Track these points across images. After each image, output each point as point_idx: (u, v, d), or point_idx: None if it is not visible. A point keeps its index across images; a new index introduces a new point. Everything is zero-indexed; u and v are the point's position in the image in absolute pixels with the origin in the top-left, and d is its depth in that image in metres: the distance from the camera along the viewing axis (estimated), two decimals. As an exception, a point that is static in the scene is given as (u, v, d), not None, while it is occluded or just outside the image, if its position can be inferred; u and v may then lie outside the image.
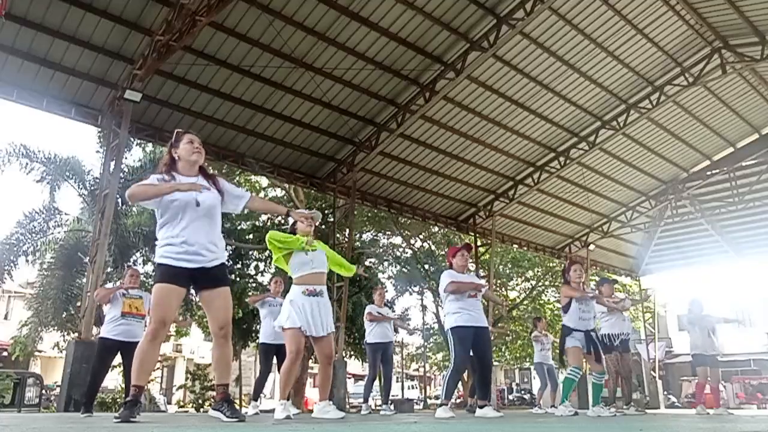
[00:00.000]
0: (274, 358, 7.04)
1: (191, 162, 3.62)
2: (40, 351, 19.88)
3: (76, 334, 11.29)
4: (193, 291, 3.67)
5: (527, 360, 25.60)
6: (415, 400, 23.68)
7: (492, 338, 10.38)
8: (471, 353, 5.55)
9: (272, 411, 5.18)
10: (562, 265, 8.75)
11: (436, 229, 21.13)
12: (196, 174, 3.63)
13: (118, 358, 5.98)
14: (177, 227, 3.44)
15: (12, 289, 18.88)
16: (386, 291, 20.01)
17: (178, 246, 3.41)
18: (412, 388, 37.01)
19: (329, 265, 4.71)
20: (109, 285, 6.49)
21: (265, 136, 12.16)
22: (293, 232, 4.58)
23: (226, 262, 3.67)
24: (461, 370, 5.61)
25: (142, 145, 16.41)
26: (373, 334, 7.99)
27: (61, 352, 16.44)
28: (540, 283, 24.76)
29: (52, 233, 15.51)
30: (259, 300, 7.30)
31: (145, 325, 5.98)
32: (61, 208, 15.83)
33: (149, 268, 16.44)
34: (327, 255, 4.65)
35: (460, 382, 21.63)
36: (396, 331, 8.84)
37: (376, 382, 9.24)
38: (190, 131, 3.76)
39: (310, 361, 17.94)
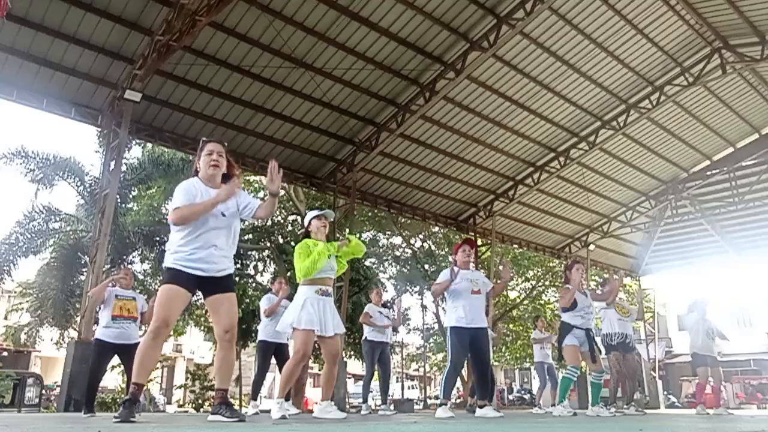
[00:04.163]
0: (273, 357, 7.03)
1: (207, 175, 3.62)
2: (38, 351, 19.91)
3: (76, 334, 11.30)
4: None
5: (527, 360, 25.60)
6: (415, 400, 23.66)
7: (492, 343, 10.36)
8: (469, 353, 5.55)
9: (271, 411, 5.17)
10: (564, 265, 8.76)
11: (436, 229, 21.13)
12: (218, 185, 3.61)
13: (117, 358, 5.98)
14: (195, 234, 3.44)
15: (12, 288, 18.89)
16: (385, 290, 20.05)
17: (189, 253, 3.42)
18: (412, 388, 37.00)
19: (345, 257, 4.71)
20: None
21: (265, 136, 12.16)
22: (307, 233, 4.59)
23: (233, 272, 3.67)
24: (458, 368, 5.57)
25: (142, 145, 16.42)
26: (370, 332, 8.00)
27: (59, 349, 16.48)
28: (540, 283, 24.76)
29: (52, 233, 15.51)
30: (275, 308, 7.12)
31: (139, 327, 5.96)
32: (60, 208, 15.85)
33: (147, 266, 16.47)
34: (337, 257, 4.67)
35: (460, 382, 21.71)
36: (396, 331, 8.83)
37: (375, 382, 9.23)
38: (214, 140, 3.74)
39: (311, 360, 17.94)
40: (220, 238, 3.51)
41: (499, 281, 6.05)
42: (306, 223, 4.68)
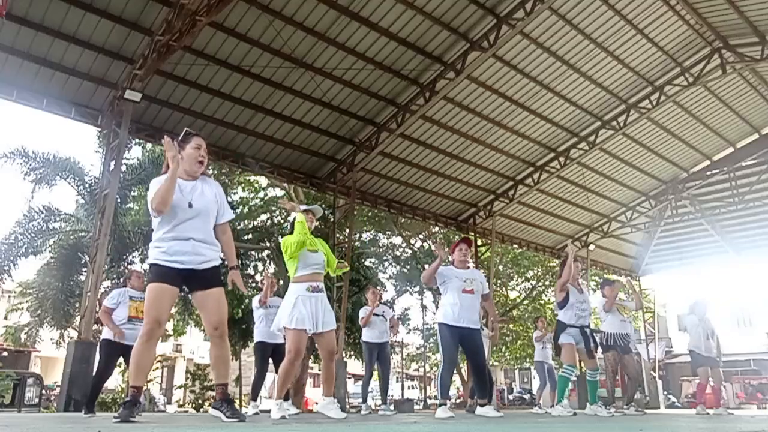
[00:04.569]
0: (271, 357, 7.03)
1: (193, 170, 3.59)
2: (38, 351, 19.87)
3: (76, 334, 11.30)
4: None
5: (527, 360, 25.62)
6: (415, 400, 23.66)
7: (490, 342, 10.36)
8: (464, 354, 5.51)
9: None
10: (560, 262, 8.76)
11: (436, 229, 21.12)
12: (197, 178, 3.60)
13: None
14: (168, 227, 3.42)
15: (12, 288, 18.91)
16: (384, 290, 20.00)
17: (168, 247, 3.40)
18: (412, 388, 37.00)
19: (328, 264, 4.73)
20: (107, 283, 6.36)
21: (265, 136, 12.16)
22: (292, 230, 4.59)
23: (219, 265, 3.60)
24: (452, 365, 5.47)
25: (142, 145, 16.42)
26: (368, 334, 8.00)
27: (59, 349, 16.48)
28: (540, 283, 24.77)
29: (52, 233, 15.51)
30: (266, 297, 7.09)
31: None
32: (60, 208, 15.87)
33: (147, 266, 16.47)
34: (326, 255, 4.67)
35: (459, 382, 21.69)
36: (396, 330, 8.83)
37: (375, 382, 9.23)
38: (199, 134, 3.70)
39: (310, 360, 17.94)
40: (196, 230, 3.46)
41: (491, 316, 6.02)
42: (292, 219, 4.67)
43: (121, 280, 6.16)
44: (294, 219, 4.60)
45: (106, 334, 5.83)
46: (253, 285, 17.98)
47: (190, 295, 3.58)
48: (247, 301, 15.93)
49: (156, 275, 3.40)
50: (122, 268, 14.88)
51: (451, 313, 5.28)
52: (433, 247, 5.13)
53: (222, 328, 3.45)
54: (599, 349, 7.52)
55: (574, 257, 6.60)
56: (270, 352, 6.97)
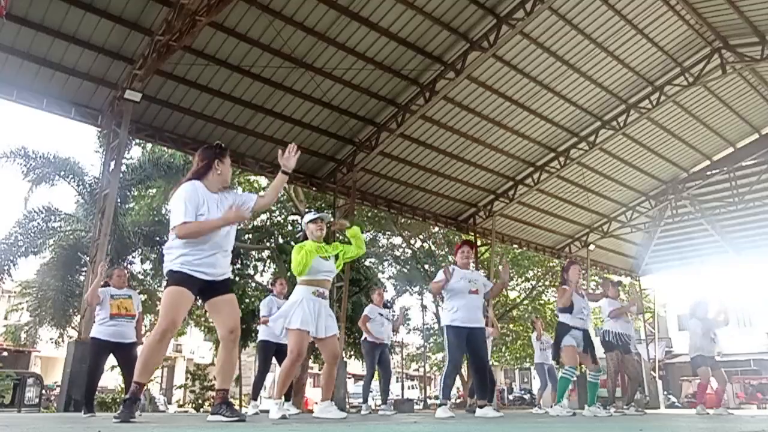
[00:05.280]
0: (274, 357, 7.02)
1: (226, 184, 3.68)
2: (38, 351, 19.86)
3: (76, 333, 11.30)
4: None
5: (527, 360, 25.63)
6: (415, 400, 23.66)
7: (492, 339, 10.36)
8: (467, 353, 5.55)
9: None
10: (562, 266, 8.72)
11: (436, 229, 21.13)
12: (218, 190, 3.65)
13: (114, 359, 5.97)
14: (204, 238, 3.44)
15: (12, 288, 18.91)
16: (385, 291, 20.02)
17: (199, 257, 3.42)
18: (412, 388, 37.02)
19: (348, 254, 4.74)
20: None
21: (265, 136, 12.16)
22: (304, 237, 4.64)
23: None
24: (457, 367, 5.57)
25: (142, 145, 16.42)
26: (370, 330, 8.00)
27: (58, 348, 16.49)
28: (540, 283, 24.77)
29: (51, 232, 15.52)
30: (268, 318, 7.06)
31: (136, 325, 5.93)
32: (60, 208, 15.88)
33: (147, 266, 16.47)
34: (339, 254, 4.67)
35: (459, 382, 21.69)
36: (395, 331, 8.83)
37: (375, 382, 9.22)
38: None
39: (310, 361, 17.95)
40: (225, 242, 3.56)
41: (498, 281, 6.04)
42: (303, 226, 4.73)
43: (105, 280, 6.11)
44: (304, 231, 4.65)
45: (94, 332, 5.82)
46: (253, 285, 18.00)
47: (203, 303, 3.64)
48: (247, 300, 15.96)
49: (179, 280, 3.41)
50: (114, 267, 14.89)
51: (459, 315, 5.35)
52: (448, 268, 5.04)
53: (236, 332, 3.51)
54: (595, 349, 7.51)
55: (574, 260, 6.63)
56: (273, 352, 6.97)
